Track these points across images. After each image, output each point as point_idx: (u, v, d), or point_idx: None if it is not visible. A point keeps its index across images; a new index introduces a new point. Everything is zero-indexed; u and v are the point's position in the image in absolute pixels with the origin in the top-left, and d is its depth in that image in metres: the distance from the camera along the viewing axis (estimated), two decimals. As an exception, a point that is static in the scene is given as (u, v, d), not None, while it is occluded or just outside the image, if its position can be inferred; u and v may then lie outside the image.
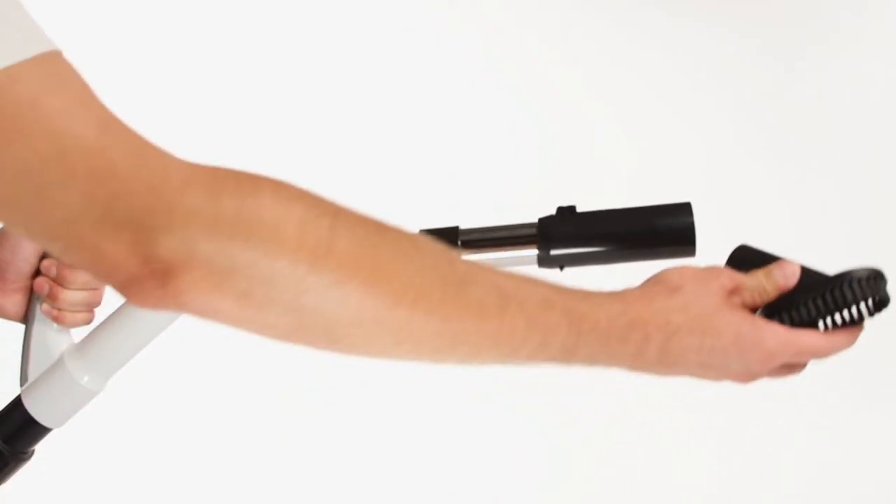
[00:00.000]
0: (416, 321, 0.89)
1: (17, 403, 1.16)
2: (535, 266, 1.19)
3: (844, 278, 1.04)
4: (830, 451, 2.95)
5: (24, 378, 1.16)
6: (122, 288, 0.85)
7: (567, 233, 1.18)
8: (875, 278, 1.05)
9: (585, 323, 0.98)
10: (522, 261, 1.19)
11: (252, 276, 0.84)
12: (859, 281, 1.04)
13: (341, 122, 3.08)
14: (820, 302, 1.05)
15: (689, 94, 3.25)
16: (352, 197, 2.99)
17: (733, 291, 1.05)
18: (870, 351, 3.14)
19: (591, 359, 1.00)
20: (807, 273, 1.08)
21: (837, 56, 3.24)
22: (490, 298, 0.93)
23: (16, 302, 1.17)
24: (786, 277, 1.07)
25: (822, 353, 1.07)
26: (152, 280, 0.83)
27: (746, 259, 1.10)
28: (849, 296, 1.04)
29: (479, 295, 0.92)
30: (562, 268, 1.20)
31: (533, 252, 1.19)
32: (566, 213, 1.17)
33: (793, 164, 3.15)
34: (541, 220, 1.18)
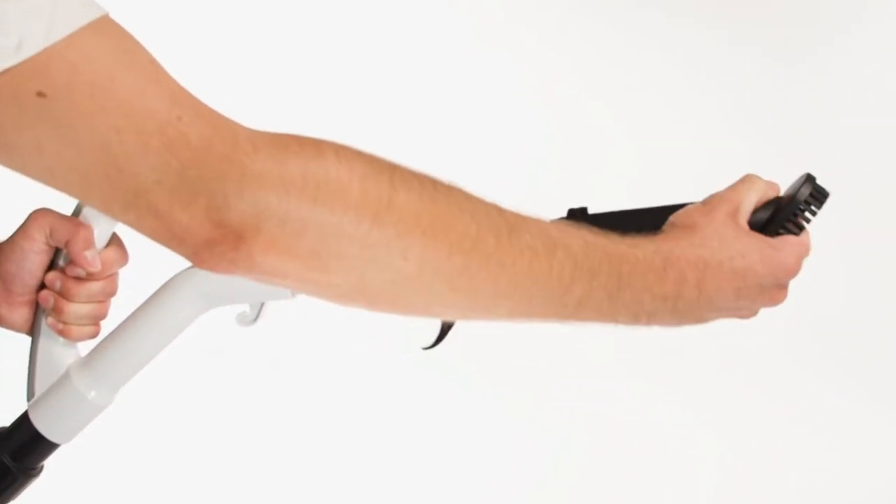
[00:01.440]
0: (473, 267, 0.92)
1: (24, 419, 1.14)
2: None
3: (810, 182, 1.11)
4: (828, 452, 2.95)
5: (30, 393, 1.15)
6: (194, 254, 0.87)
7: None
8: (813, 179, 1.13)
9: (625, 263, 1.01)
10: None
11: (320, 233, 0.87)
12: (815, 182, 1.12)
13: (340, 121, 3.05)
14: (807, 208, 1.11)
15: (688, 95, 3.25)
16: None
17: (736, 211, 1.09)
18: (867, 351, 3.15)
19: (636, 302, 1.02)
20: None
21: (837, 58, 3.25)
22: (539, 243, 0.95)
23: (22, 314, 1.16)
24: (769, 184, 1.12)
25: (806, 254, 1.12)
26: (225, 244, 0.86)
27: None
28: (819, 197, 1.11)
29: (529, 240, 0.95)
30: None
31: None
32: (578, 214, 1.17)
33: (793, 165, 3.14)
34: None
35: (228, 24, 3.13)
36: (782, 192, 1.14)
